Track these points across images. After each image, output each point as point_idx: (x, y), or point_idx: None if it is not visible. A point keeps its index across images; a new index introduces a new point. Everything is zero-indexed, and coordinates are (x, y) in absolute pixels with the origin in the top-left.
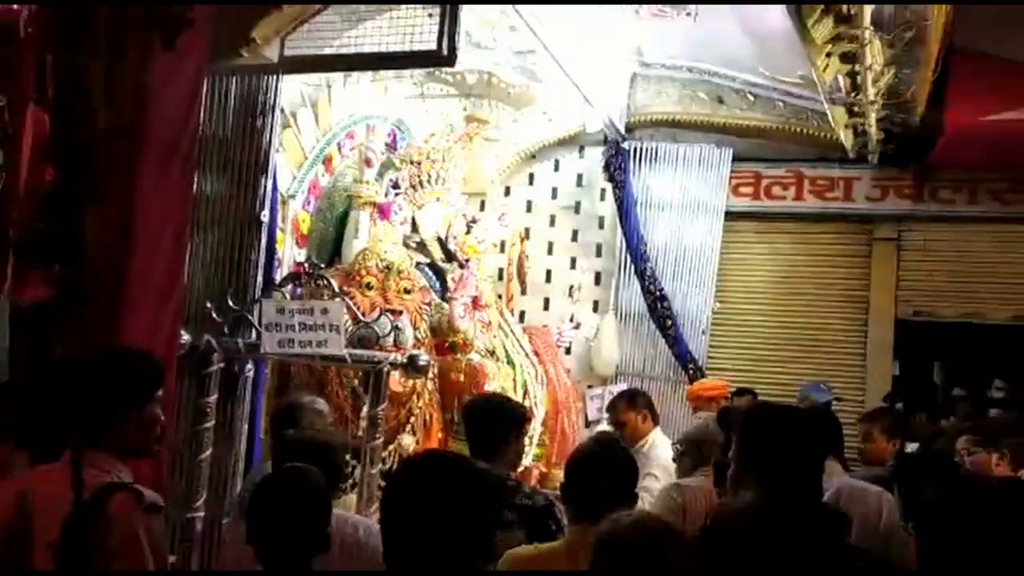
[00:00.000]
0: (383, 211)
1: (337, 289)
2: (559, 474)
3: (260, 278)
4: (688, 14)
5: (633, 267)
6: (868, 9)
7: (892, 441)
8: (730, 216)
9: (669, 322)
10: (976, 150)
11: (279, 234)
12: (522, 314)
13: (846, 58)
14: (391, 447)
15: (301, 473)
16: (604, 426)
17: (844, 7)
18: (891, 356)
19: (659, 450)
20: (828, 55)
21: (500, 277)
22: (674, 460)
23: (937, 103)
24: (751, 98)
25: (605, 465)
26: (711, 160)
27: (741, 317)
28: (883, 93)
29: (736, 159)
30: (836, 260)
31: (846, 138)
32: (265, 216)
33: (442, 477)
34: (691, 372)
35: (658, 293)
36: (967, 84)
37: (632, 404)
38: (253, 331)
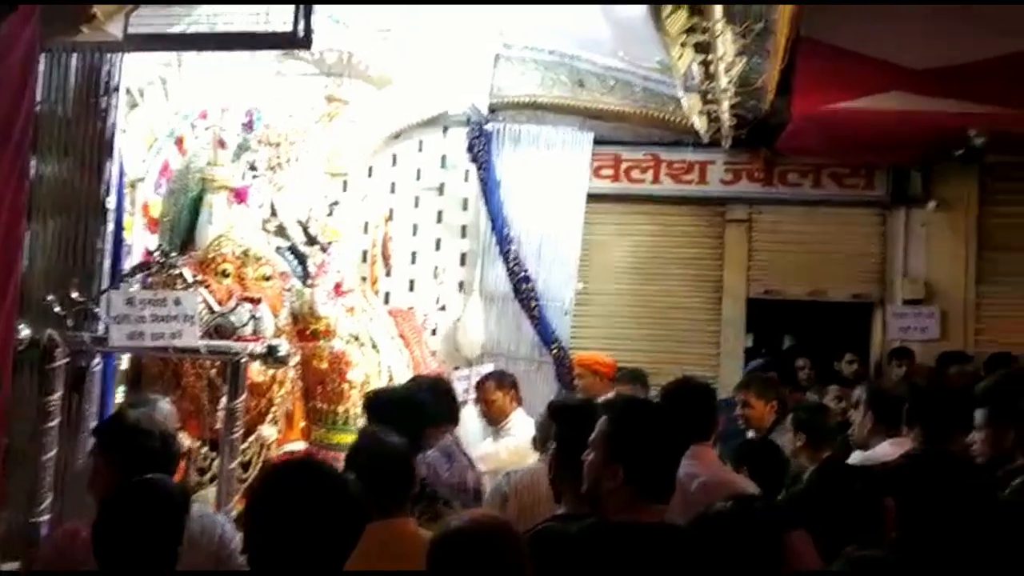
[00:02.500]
0: (239, 195)
1: (191, 278)
2: None
3: (107, 267)
4: None
5: (497, 248)
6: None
7: (769, 404)
8: (591, 198)
9: (533, 303)
10: (820, 136)
11: (127, 220)
12: (387, 296)
13: (700, 48)
14: (251, 438)
15: (150, 489)
16: (471, 407)
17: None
18: (743, 333)
19: (518, 430)
20: (683, 45)
21: (364, 259)
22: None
23: (786, 91)
24: (611, 82)
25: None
26: (572, 143)
27: (603, 297)
28: (735, 81)
29: (597, 142)
30: (692, 241)
31: (700, 124)
32: (111, 201)
33: (308, 487)
34: (555, 352)
35: (522, 274)
36: (812, 74)
37: (501, 384)
38: (101, 324)
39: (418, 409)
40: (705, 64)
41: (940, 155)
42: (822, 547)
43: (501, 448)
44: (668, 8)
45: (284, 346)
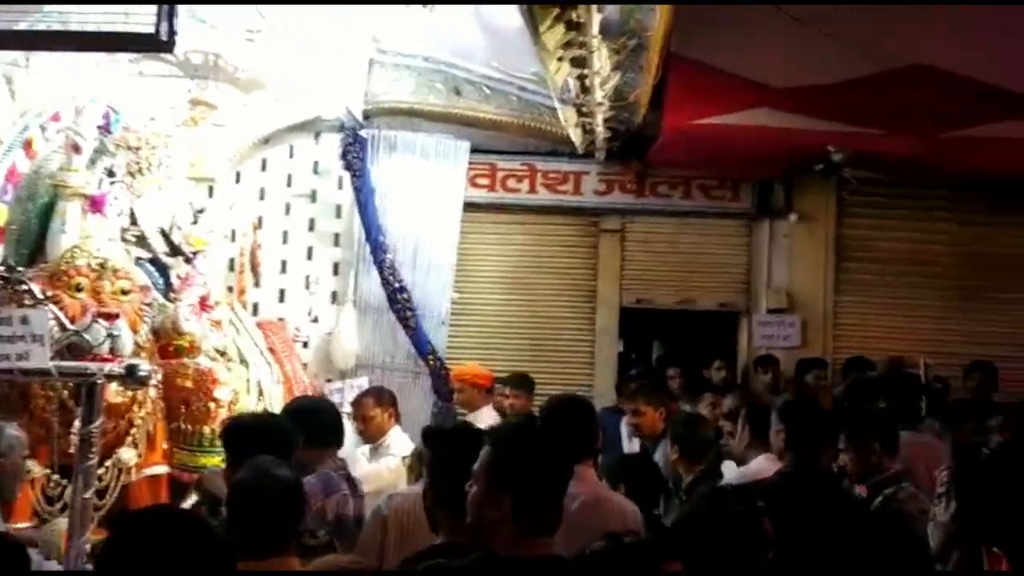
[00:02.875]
0: (95, 203)
1: (40, 293)
2: None
3: None
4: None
5: (372, 258)
6: (596, 17)
7: (658, 411)
8: (467, 207)
9: (409, 313)
10: (689, 150)
11: None
12: (256, 307)
13: (576, 62)
14: (109, 462)
15: None
16: (346, 420)
17: (574, 15)
18: (616, 341)
19: (396, 447)
20: (560, 59)
21: (232, 269)
22: (408, 468)
23: (658, 106)
24: (487, 91)
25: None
26: (448, 151)
27: (479, 307)
28: (609, 96)
29: (473, 150)
30: (566, 251)
31: (575, 135)
32: None
33: (167, 541)
34: (431, 363)
35: (397, 284)
36: (682, 90)
37: (379, 400)
38: None
39: (282, 436)
40: (581, 78)
41: (801, 169)
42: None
43: (383, 468)
44: (546, 22)
45: (144, 366)
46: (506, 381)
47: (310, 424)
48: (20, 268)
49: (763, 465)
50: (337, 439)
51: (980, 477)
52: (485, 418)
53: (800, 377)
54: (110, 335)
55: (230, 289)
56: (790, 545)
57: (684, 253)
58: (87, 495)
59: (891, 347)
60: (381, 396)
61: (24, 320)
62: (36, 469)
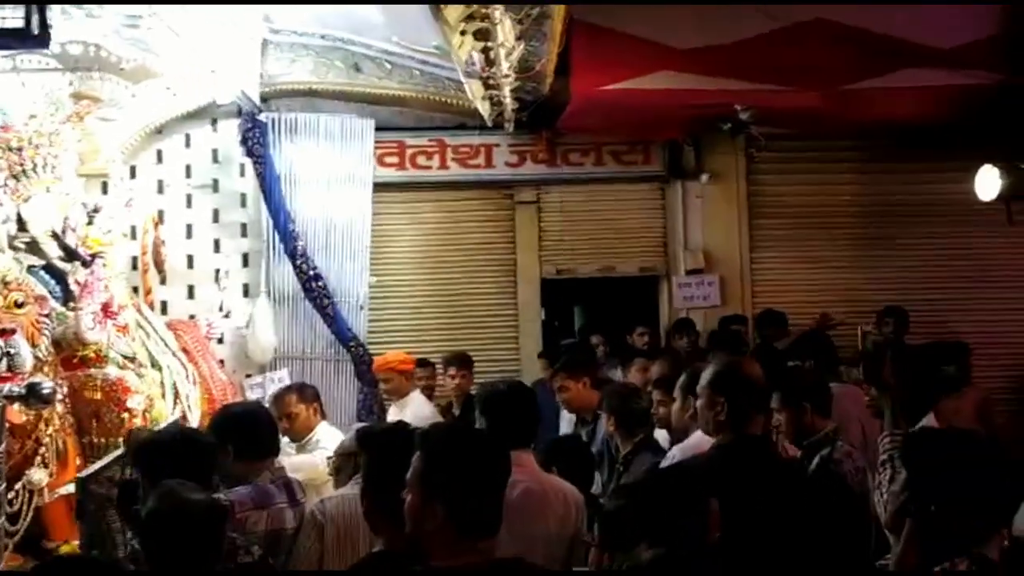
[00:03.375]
0: None
1: None
2: None
3: None
4: None
5: (283, 246)
6: None
7: (581, 381)
8: (378, 187)
9: (326, 300)
10: (597, 115)
11: None
12: (164, 306)
13: (480, 35)
14: (19, 485)
15: None
16: None
17: None
18: (539, 313)
19: (326, 442)
20: (463, 33)
21: (135, 268)
22: (330, 474)
23: (565, 73)
24: (388, 66)
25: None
26: (353, 130)
27: (397, 289)
28: (515, 67)
29: (379, 128)
30: (483, 225)
31: (483, 108)
32: None
33: None
34: (353, 349)
35: (311, 272)
36: (587, 56)
37: (302, 396)
38: None
39: (201, 452)
40: (485, 51)
41: (709, 129)
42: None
43: (318, 457)
44: None
45: (47, 383)
46: (449, 361)
47: (240, 435)
48: None
49: (701, 439)
50: (272, 447)
51: (928, 443)
52: (415, 403)
53: (723, 333)
54: (6, 353)
55: (135, 290)
56: (735, 522)
57: (601, 220)
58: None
59: (807, 299)
60: (304, 392)
61: None
62: None
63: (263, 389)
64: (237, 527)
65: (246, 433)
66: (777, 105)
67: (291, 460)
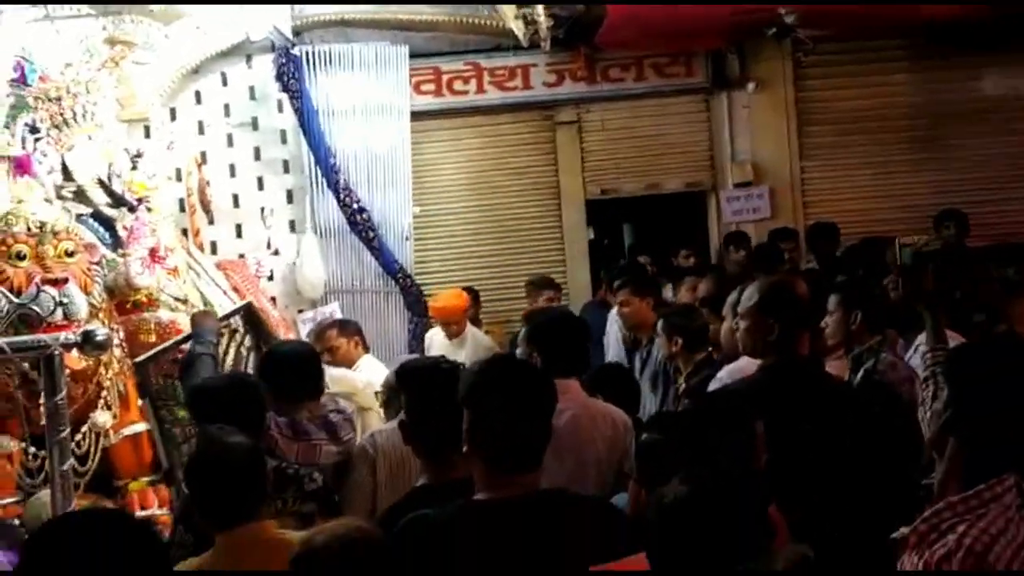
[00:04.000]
0: (21, 164)
1: None
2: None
3: None
4: None
5: (325, 181)
6: None
7: (645, 300)
8: (416, 116)
9: (371, 233)
10: (635, 28)
11: None
12: (214, 245)
13: None
14: (85, 427)
15: None
16: None
17: None
18: (585, 235)
19: (368, 375)
20: None
21: (183, 210)
22: (381, 407)
23: None
24: None
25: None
26: (388, 59)
27: (441, 218)
28: None
29: (413, 55)
30: (523, 149)
31: (517, 27)
32: None
33: (94, 541)
34: (400, 280)
35: (355, 205)
36: None
37: (343, 330)
38: None
39: (249, 397)
40: None
41: (754, 36)
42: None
43: (359, 376)
44: None
45: (101, 330)
46: (539, 285)
47: (279, 376)
48: None
49: (738, 368)
50: (309, 389)
51: (971, 355)
52: (472, 337)
53: (772, 247)
54: (59, 302)
55: (185, 232)
56: (782, 446)
57: (644, 137)
58: (64, 467)
59: (860, 207)
60: (345, 326)
61: None
62: (10, 444)
63: (315, 323)
64: (268, 448)
65: (284, 374)
66: (823, 6)
67: (330, 372)
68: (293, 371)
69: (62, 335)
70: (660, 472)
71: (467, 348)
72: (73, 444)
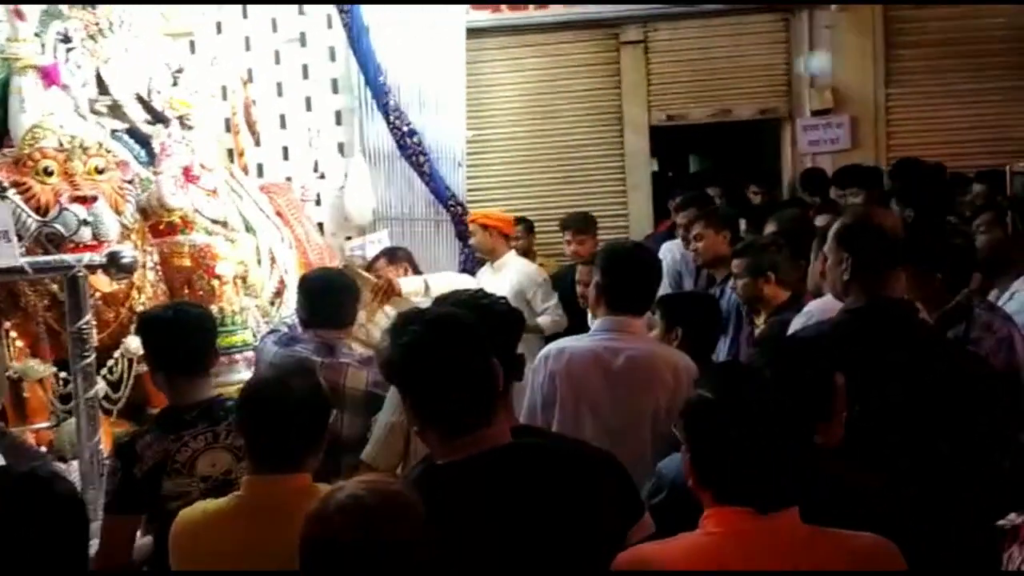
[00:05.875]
0: (49, 75)
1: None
2: None
3: None
4: None
5: (375, 102)
6: None
7: (721, 233)
8: (471, 33)
9: (422, 158)
10: None
11: None
12: (260, 168)
13: None
14: (117, 353)
15: None
16: None
17: None
18: (648, 164)
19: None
20: None
21: (228, 130)
22: None
23: None
24: None
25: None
26: None
27: (496, 143)
28: None
29: None
30: (585, 70)
31: None
32: None
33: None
34: (452, 208)
35: (405, 128)
36: None
37: (393, 259)
38: None
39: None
40: None
41: None
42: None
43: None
44: None
45: (128, 251)
46: (566, 224)
47: (310, 303)
48: None
49: (829, 303)
50: (335, 316)
51: None
52: (513, 266)
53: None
54: (83, 221)
55: (230, 154)
56: (866, 401)
57: (716, 59)
58: (90, 394)
59: (950, 139)
60: (394, 255)
61: None
62: (41, 368)
63: (364, 251)
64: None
65: (315, 302)
66: None
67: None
68: (319, 297)
69: (86, 256)
70: (708, 440)
71: (502, 277)
72: (105, 370)
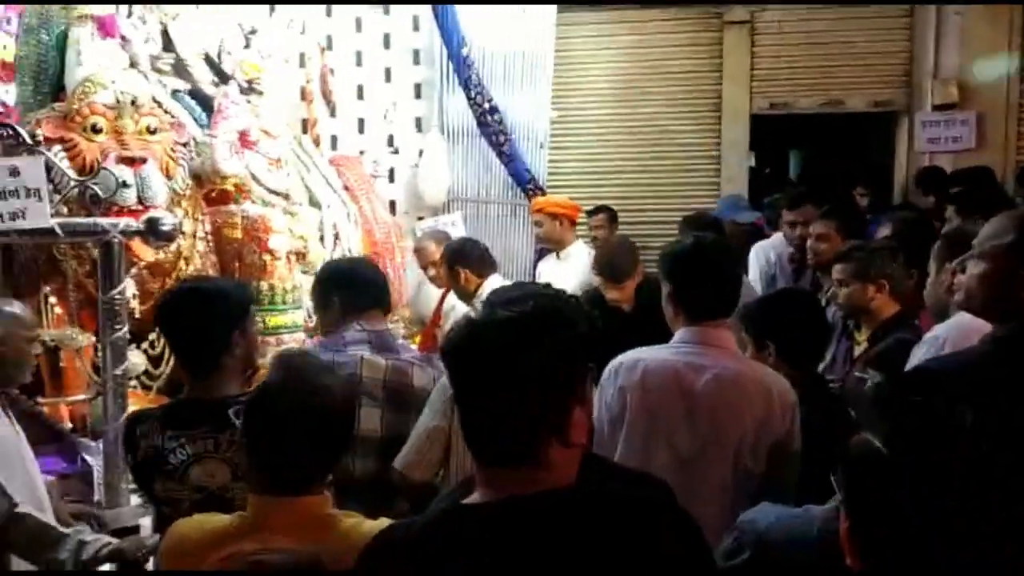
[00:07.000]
0: (105, 25)
1: (31, 139)
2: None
3: None
4: None
5: (456, 75)
6: None
7: (847, 240)
8: (563, 6)
9: (502, 137)
10: None
11: None
12: (334, 140)
13: None
14: None
15: None
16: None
17: None
18: (746, 156)
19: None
20: None
21: (303, 98)
22: None
23: None
24: None
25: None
26: None
27: (583, 125)
28: None
29: None
30: (684, 51)
31: None
32: None
33: None
34: (531, 191)
35: (487, 104)
36: None
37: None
38: None
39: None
40: None
41: None
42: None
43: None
44: None
45: (168, 219)
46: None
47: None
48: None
49: (964, 327)
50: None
51: None
52: (578, 255)
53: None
54: (123, 183)
55: (305, 123)
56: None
57: (828, 43)
58: (118, 370)
59: None
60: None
61: (15, 172)
62: (81, 337)
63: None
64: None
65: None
66: None
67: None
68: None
69: (122, 221)
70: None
71: (566, 266)
72: (146, 344)
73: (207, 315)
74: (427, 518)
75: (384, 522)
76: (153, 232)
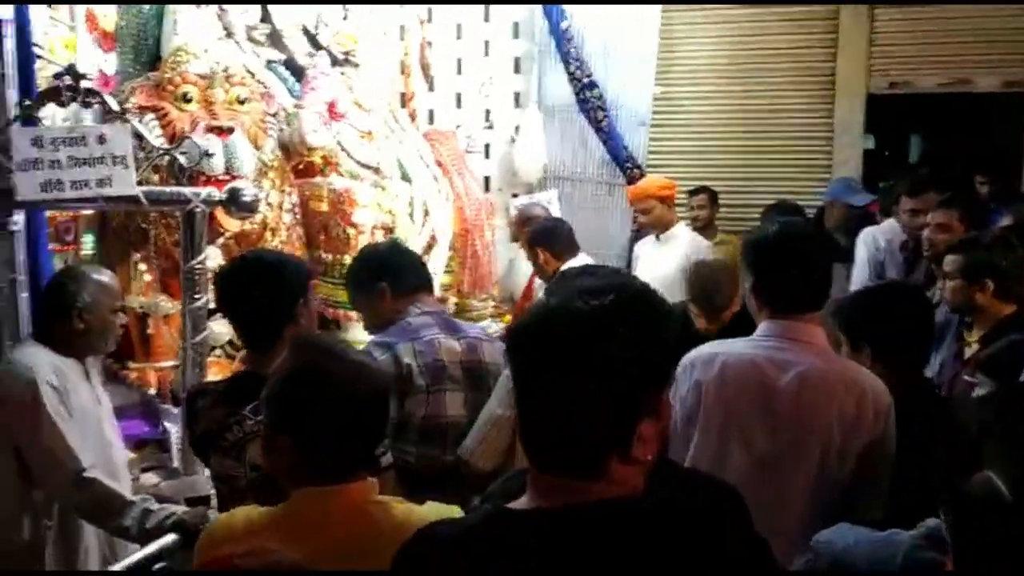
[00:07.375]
0: None
1: (116, 106)
2: (476, 304)
3: (12, 97)
4: None
5: (556, 49)
6: None
7: (965, 225)
8: None
9: (601, 113)
10: None
11: (68, 36)
12: (431, 114)
13: None
14: None
15: None
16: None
17: None
18: (861, 138)
19: None
20: None
21: (402, 71)
22: None
23: None
24: None
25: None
26: None
27: (686, 102)
28: None
29: None
30: (796, 25)
31: None
32: (6, 11)
33: None
34: (629, 170)
35: (586, 79)
36: None
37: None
38: None
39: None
40: None
41: None
42: None
43: None
44: None
45: (250, 190)
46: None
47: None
48: (86, 75)
49: None
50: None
51: None
52: (680, 237)
53: None
54: (206, 153)
55: (402, 97)
56: None
57: (954, 19)
58: (198, 338)
59: None
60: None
61: (101, 139)
62: (168, 305)
63: (544, 206)
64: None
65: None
66: None
67: None
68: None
69: (205, 191)
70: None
71: (668, 249)
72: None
73: (274, 286)
74: (472, 520)
75: (434, 508)
76: (234, 202)
